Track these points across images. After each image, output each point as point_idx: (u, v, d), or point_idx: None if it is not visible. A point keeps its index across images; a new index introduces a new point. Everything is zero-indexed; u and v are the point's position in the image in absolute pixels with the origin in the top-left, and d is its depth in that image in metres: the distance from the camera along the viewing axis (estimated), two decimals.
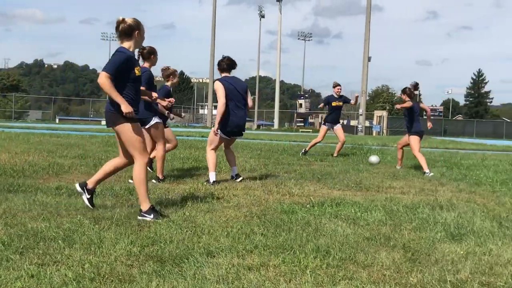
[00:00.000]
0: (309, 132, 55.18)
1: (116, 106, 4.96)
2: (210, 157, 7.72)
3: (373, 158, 11.90)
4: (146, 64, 7.43)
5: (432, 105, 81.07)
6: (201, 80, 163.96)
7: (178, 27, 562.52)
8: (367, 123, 58.55)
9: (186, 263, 3.53)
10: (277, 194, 6.75)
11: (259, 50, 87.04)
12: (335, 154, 13.77)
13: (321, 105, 14.55)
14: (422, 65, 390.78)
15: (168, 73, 8.62)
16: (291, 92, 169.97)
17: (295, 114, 74.73)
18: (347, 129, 62.95)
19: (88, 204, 5.33)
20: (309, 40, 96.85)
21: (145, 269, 3.42)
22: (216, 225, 4.70)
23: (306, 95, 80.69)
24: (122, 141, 5.17)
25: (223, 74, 7.76)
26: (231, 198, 6.25)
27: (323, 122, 14.08)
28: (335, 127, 13.75)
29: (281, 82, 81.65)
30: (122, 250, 3.80)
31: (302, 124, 72.59)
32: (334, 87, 13.87)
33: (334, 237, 4.40)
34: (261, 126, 75.80)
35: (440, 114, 72.65)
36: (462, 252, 4.07)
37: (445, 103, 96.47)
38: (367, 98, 73.59)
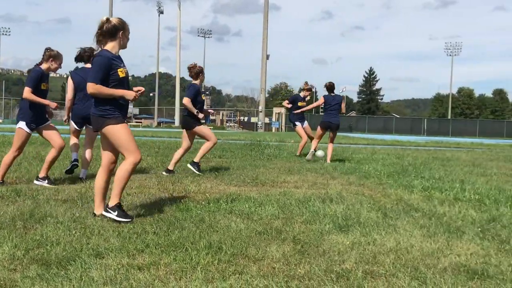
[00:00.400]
0: (210, 129, 55.24)
1: (102, 110, 4.87)
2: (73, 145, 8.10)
3: (319, 153, 12.35)
4: (43, 66, 7.02)
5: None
6: None
7: (73, 21, 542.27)
8: (266, 120, 59.59)
9: (73, 265, 3.42)
10: (173, 192, 6.70)
11: (159, 46, 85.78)
12: (298, 153, 13.76)
13: (286, 102, 14.21)
14: (318, 63, 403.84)
15: (196, 71, 8.86)
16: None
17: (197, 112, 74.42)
18: (248, 126, 63.81)
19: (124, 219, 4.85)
20: (209, 37, 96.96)
21: (28, 273, 3.27)
22: (107, 225, 4.59)
23: (207, 92, 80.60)
24: (112, 142, 4.96)
25: (85, 66, 7.98)
26: (124, 197, 6.10)
27: (293, 124, 13.80)
28: (303, 125, 13.56)
29: (182, 79, 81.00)
30: (5, 254, 3.63)
31: (204, 121, 72.42)
32: (306, 90, 13.80)
33: (227, 232, 4.44)
34: (161, 124, 74.87)
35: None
36: (348, 243, 4.25)
37: None
38: (266, 95, 74.82)
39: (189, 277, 3.29)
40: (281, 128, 58.12)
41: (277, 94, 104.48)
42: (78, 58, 7.98)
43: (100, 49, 5.01)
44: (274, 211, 5.44)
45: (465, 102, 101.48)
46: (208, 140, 9.11)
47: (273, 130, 56.19)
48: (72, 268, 3.38)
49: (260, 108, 56.15)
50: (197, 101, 8.96)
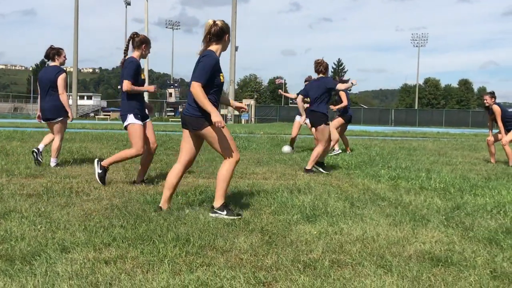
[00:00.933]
0: (179, 121, 54.93)
1: (203, 111, 4.77)
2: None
3: (286, 148, 12.27)
4: (135, 54, 6.59)
5: (297, 94, 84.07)
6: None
7: (39, 13, 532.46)
8: (236, 112, 59.50)
9: (38, 260, 3.38)
10: (141, 185, 6.64)
11: (126, 38, 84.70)
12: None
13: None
14: (287, 55, 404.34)
15: (326, 65, 8.63)
16: (160, 81, 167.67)
17: (165, 104, 73.94)
18: None
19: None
20: (177, 28, 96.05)
21: None
22: (73, 220, 4.53)
23: (176, 84, 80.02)
24: (210, 143, 4.91)
25: (50, 64, 8.46)
26: (91, 191, 6.05)
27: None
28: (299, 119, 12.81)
29: (150, 71, 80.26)
30: None
31: (173, 113, 71.97)
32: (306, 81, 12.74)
33: (195, 225, 4.43)
34: None
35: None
36: (315, 233, 4.29)
37: None
38: (236, 87, 74.77)
39: (156, 270, 3.28)
40: (251, 120, 58.13)
41: (247, 86, 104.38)
42: (45, 56, 8.39)
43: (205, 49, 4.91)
44: (243, 202, 5.44)
45: (431, 93, 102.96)
46: (320, 144, 8.49)
47: (243, 122, 56.16)
48: (37, 263, 3.33)
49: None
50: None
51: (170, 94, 74.73)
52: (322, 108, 8.46)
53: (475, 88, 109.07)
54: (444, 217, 5.03)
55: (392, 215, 5.08)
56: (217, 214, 4.80)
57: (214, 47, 4.92)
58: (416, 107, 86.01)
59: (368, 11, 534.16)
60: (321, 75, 8.61)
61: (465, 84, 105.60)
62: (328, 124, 8.55)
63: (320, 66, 8.61)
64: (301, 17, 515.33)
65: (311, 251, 3.78)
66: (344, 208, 5.34)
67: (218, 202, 4.87)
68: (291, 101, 73.98)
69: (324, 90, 8.43)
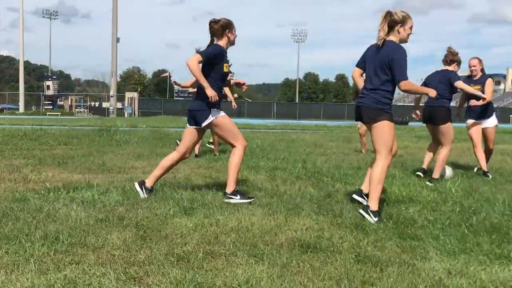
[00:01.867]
0: (57, 115, 52.58)
1: (382, 102, 4.91)
2: None
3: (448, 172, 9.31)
4: (221, 43, 5.58)
5: None
6: None
7: None
8: (119, 105, 58.09)
9: None
10: (10, 182, 6.28)
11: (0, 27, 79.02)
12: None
13: None
14: (172, 47, 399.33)
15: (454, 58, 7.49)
16: (38, 73, 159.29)
17: (43, 97, 70.34)
18: (99, 111, 61.68)
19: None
20: (55, 18, 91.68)
21: None
22: None
23: (54, 77, 76.48)
24: (374, 136, 5.00)
25: None
26: None
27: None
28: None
29: (26, 63, 75.96)
30: None
31: (51, 107, 68.71)
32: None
33: (65, 222, 4.27)
34: (5, 110, 69.65)
35: (190, 96, 75.32)
36: (191, 225, 4.30)
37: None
38: (118, 79, 72.87)
39: (22, 270, 3.13)
40: (134, 113, 56.95)
41: (130, 79, 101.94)
42: None
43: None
44: (119, 198, 5.33)
45: (311, 87, 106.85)
46: (444, 145, 7.36)
47: (126, 115, 54.86)
48: None
49: (111, 92, 54.53)
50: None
51: (48, 87, 71.23)
52: (446, 102, 7.30)
53: (351, 82, 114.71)
54: (316, 205, 5.26)
55: (267, 205, 5.21)
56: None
57: (394, 37, 4.98)
58: (297, 101, 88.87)
59: (250, 6, 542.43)
60: (446, 67, 7.44)
61: (341, 78, 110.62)
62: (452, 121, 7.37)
63: (448, 56, 7.43)
64: (184, 10, 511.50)
65: (186, 243, 3.79)
66: (221, 199, 5.41)
67: (372, 205, 4.84)
68: (176, 94, 73.27)
69: (446, 84, 7.32)
